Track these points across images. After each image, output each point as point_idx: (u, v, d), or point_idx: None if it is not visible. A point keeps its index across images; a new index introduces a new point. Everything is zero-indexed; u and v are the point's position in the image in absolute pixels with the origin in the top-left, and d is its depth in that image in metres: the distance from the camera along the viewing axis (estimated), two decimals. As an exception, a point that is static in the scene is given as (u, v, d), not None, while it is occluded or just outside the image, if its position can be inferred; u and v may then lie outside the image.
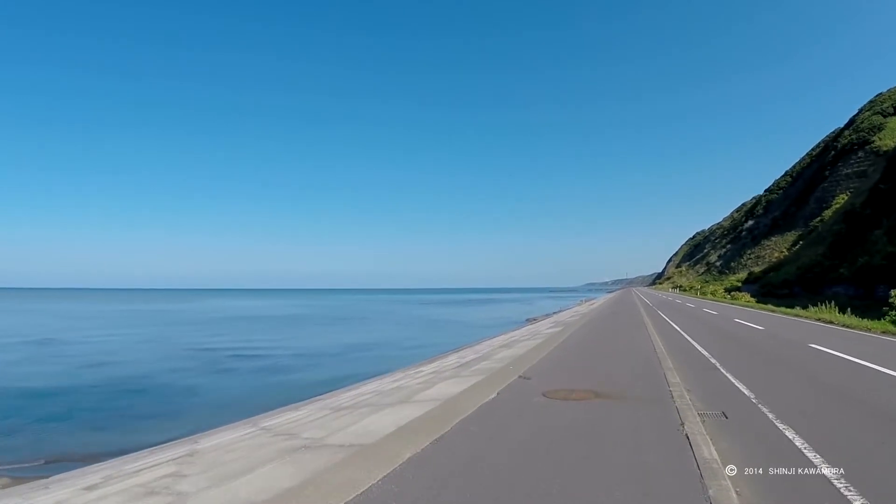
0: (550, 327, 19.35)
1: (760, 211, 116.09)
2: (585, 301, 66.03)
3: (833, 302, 22.80)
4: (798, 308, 23.40)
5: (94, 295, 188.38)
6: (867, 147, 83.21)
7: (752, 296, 39.21)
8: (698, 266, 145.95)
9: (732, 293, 40.31)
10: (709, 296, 53.63)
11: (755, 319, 21.04)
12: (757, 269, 71.12)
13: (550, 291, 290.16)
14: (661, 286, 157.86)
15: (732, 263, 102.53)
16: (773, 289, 45.71)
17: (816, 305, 25.54)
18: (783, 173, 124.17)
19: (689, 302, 38.38)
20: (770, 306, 27.87)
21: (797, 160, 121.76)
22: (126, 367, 20.60)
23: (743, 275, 79.85)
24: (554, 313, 39.44)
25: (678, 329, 17.19)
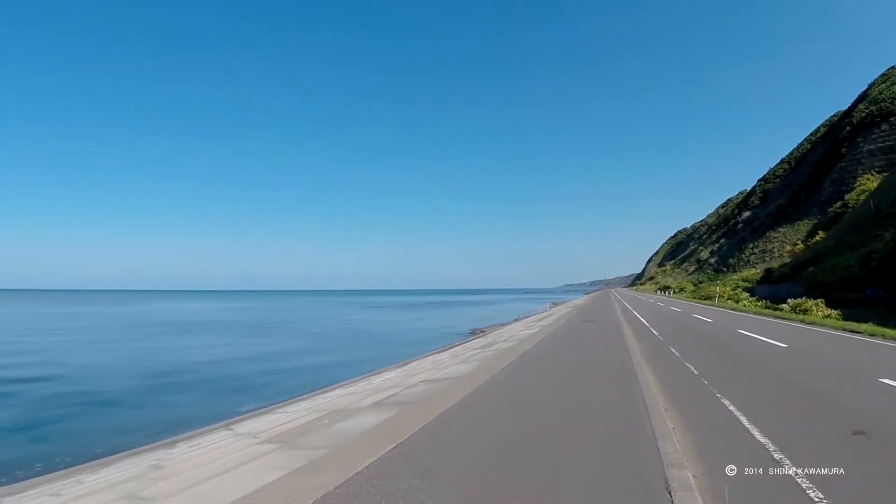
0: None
1: (757, 202, 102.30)
2: (551, 307, 50.49)
3: None
4: None
5: (62, 296, 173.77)
6: (892, 119, 69.67)
7: (826, 305, 21.39)
8: (686, 264, 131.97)
9: (794, 302, 22.79)
10: (728, 302, 36.40)
11: None
12: (775, 265, 55.50)
13: (525, 293, 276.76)
14: (642, 287, 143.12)
15: (731, 260, 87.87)
16: (829, 291, 29.83)
17: None
18: (779, 161, 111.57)
19: (743, 326, 16.77)
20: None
21: (794, 146, 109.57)
22: None
23: (750, 272, 64.58)
24: (489, 330, 22.76)
25: None
